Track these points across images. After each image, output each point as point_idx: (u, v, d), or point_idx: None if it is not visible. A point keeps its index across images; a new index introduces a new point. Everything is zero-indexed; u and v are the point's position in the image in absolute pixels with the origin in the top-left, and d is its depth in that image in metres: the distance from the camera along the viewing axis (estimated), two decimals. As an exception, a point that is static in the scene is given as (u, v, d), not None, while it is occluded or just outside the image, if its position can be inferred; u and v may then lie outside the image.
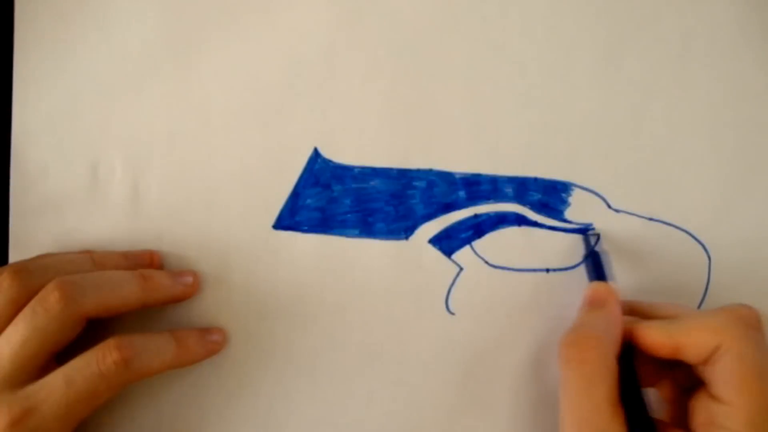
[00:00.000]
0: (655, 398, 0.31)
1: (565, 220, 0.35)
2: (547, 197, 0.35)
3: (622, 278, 0.34)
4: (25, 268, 0.30)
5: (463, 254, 0.35)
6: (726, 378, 0.26)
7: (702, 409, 0.27)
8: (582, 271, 0.34)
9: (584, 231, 0.34)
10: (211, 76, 0.35)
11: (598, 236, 0.34)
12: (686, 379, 0.30)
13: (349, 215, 0.35)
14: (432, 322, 0.34)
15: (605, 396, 0.27)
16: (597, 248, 0.34)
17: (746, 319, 0.28)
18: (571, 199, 0.35)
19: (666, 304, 0.31)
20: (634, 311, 0.32)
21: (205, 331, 0.34)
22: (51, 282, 0.30)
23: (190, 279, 0.34)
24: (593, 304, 0.31)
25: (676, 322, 0.29)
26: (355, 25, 0.35)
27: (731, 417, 0.26)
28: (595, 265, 0.33)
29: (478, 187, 0.35)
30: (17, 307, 0.30)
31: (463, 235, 0.35)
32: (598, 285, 0.32)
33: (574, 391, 0.28)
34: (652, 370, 0.31)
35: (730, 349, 0.26)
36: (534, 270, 0.34)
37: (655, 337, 0.29)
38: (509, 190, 0.35)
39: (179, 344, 0.32)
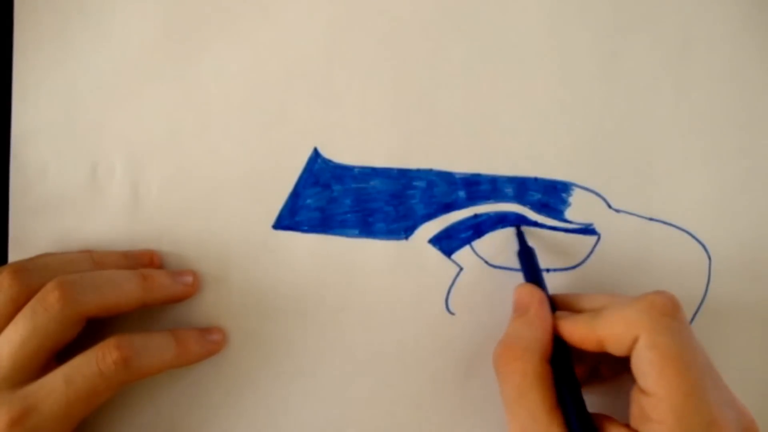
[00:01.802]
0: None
1: (566, 220, 0.35)
2: (547, 197, 0.35)
3: (623, 278, 0.34)
4: (24, 267, 0.30)
5: (463, 254, 0.35)
6: (645, 369, 0.26)
7: (635, 402, 0.27)
8: (582, 271, 0.34)
9: (586, 231, 0.34)
10: (211, 76, 0.35)
11: (521, 231, 0.34)
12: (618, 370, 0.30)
13: (349, 215, 0.35)
14: (432, 322, 0.34)
15: (539, 403, 0.27)
16: (527, 243, 0.33)
17: (660, 308, 0.27)
18: (571, 199, 0.35)
19: (593, 295, 0.31)
20: (567, 305, 0.31)
21: (205, 331, 0.34)
22: (51, 281, 0.30)
23: (190, 279, 0.34)
24: (518, 310, 0.31)
25: (597, 315, 0.28)
26: (355, 25, 0.35)
27: (657, 408, 0.25)
28: (528, 263, 0.33)
29: (478, 187, 0.35)
30: (17, 306, 0.30)
31: (463, 235, 0.35)
32: (521, 290, 0.31)
33: (509, 402, 0.28)
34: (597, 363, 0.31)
35: (645, 340, 0.26)
36: (534, 270, 0.34)
37: (578, 333, 0.29)
38: (509, 190, 0.35)
39: (179, 344, 0.32)
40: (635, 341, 0.26)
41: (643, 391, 0.26)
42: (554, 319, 0.30)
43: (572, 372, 0.29)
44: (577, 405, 0.28)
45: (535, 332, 0.29)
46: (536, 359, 0.28)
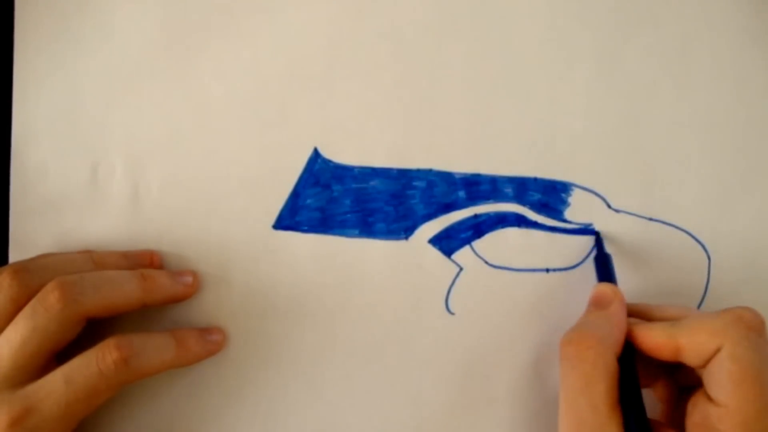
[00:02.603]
0: (652, 399, 0.31)
1: (565, 220, 0.35)
2: (547, 197, 0.35)
3: (623, 278, 0.34)
4: (25, 267, 0.30)
5: (463, 254, 0.35)
6: (722, 380, 0.26)
7: (697, 410, 0.27)
8: (582, 271, 0.34)
9: (586, 231, 0.34)
10: (211, 76, 0.35)
11: (600, 238, 0.34)
12: (685, 380, 0.30)
13: (349, 215, 0.35)
14: (432, 322, 0.34)
15: (603, 396, 0.27)
16: (606, 250, 0.34)
17: (748, 322, 0.27)
18: (571, 199, 0.35)
19: (669, 306, 0.31)
20: (638, 314, 0.31)
21: (205, 331, 0.34)
22: (51, 282, 0.30)
23: (189, 279, 0.34)
24: (598, 305, 0.31)
25: (677, 323, 0.28)
26: (356, 25, 0.35)
27: (725, 419, 0.26)
28: (604, 267, 0.33)
29: (477, 187, 0.35)
30: (17, 306, 0.30)
31: (463, 235, 0.35)
32: (603, 286, 0.32)
33: (573, 389, 0.28)
34: (652, 371, 0.31)
35: (728, 351, 0.26)
36: (534, 270, 0.34)
37: (655, 339, 0.29)
38: (509, 190, 0.35)
39: (179, 344, 0.32)
40: (717, 351, 0.27)
41: (711, 400, 0.26)
42: (628, 323, 0.30)
43: (636, 377, 0.29)
44: (638, 407, 0.28)
45: (613, 328, 0.29)
46: (610, 353, 0.28)
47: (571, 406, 0.28)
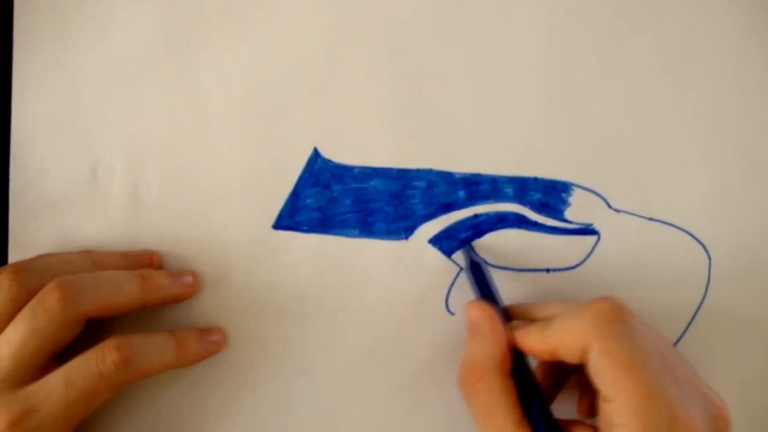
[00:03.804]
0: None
1: (566, 220, 0.35)
2: (547, 197, 0.35)
3: (623, 279, 0.34)
4: (24, 268, 0.30)
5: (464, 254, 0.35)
6: (601, 377, 0.26)
7: (600, 409, 0.27)
8: (582, 271, 0.34)
9: (586, 231, 0.34)
10: (211, 76, 0.35)
11: (470, 246, 0.34)
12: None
13: (349, 215, 0.35)
14: (432, 322, 0.34)
15: (505, 419, 0.27)
16: (475, 258, 0.33)
17: (606, 315, 0.27)
18: (571, 199, 0.35)
19: (546, 302, 0.31)
20: (521, 315, 0.31)
21: (205, 331, 0.34)
22: (50, 282, 0.30)
23: (189, 279, 0.34)
24: (472, 330, 0.31)
25: (547, 325, 0.28)
26: (355, 25, 0.35)
27: (618, 413, 0.25)
28: (477, 280, 0.32)
29: (478, 187, 0.35)
30: (17, 307, 0.30)
31: (463, 235, 0.35)
32: (471, 308, 0.31)
33: (479, 422, 0.28)
34: (561, 368, 0.31)
35: (597, 349, 0.26)
36: (534, 270, 0.34)
37: (531, 343, 0.29)
38: (509, 190, 0.35)
39: (179, 344, 0.32)
40: (587, 350, 0.27)
41: (603, 398, 0.26)
42: (509, 330, 0.30)
43: (534, 383, 0.29)
44: (543, 416, 0.28)
45: (491, 349, 0.29)
46: (497, 375, 0.28)
47: None
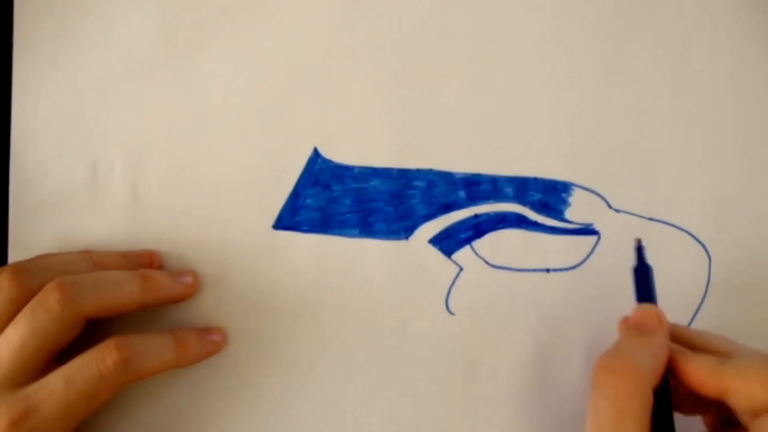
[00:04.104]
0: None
1: (566, 220, 0.35)
2: (547, 197, 0.35)
3: (622, 278, 0.34)
4: (24, 268, 0.30)
5: (463, 254, 0.35)
6: None
7: None
8: (582, 271, 0.34)
9: (586, 231, 0.34)
10: (211, 76, 0.35)
11: (641, 246, 0.32)
12: (726, 415, 0.28)
13: (349, 215, 0.35)
14: (432, 322, 0.34)
15: (635, 430, 0.25)
16: (646, 261, 0.32)
17: None
18: (571, 199, 0.35)
19: (710, 334, 0.30)
20: (679, 339, 0.30)
21: (205, 331, 0.34)
22: (50, 282, 0.29)
23: (189, 279, 0.34)
24: (639, 329, 0.29)
25: (728, 363, 0.27)
26: (355, 25, 0.35)
27: None
28: (644, 283, 0.31)
29: (478, 187, 0.35)
30: (17, 307, 0.29)
31: (463, 235, 0.35)
32: (648, 310, 0.30)
33: (603, 421, 0.26)
34: (693, 400, 0.29)
35: None
36: (534, 270, 0.34)
37: (702, 376, 0.27)
38: (509, 190, 0.35)
39: (179, 344, 0.32)
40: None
41: None
42: (671, 350, 0.28)
43: (671, 407, 0.27)
44: None
45: (655, 360, 0.27)
46: (647, 386, 0.26)
47: None
